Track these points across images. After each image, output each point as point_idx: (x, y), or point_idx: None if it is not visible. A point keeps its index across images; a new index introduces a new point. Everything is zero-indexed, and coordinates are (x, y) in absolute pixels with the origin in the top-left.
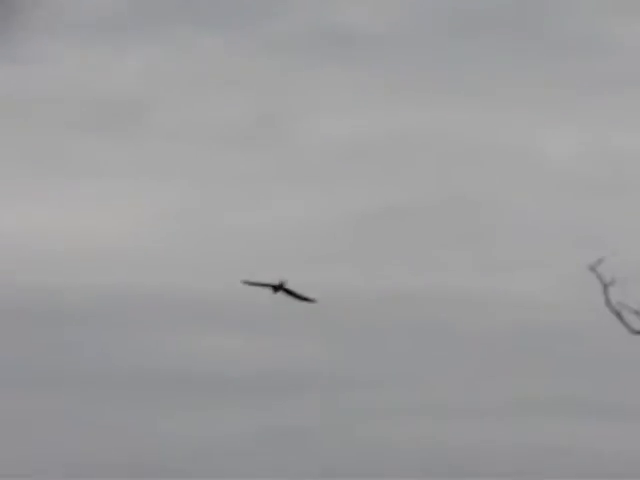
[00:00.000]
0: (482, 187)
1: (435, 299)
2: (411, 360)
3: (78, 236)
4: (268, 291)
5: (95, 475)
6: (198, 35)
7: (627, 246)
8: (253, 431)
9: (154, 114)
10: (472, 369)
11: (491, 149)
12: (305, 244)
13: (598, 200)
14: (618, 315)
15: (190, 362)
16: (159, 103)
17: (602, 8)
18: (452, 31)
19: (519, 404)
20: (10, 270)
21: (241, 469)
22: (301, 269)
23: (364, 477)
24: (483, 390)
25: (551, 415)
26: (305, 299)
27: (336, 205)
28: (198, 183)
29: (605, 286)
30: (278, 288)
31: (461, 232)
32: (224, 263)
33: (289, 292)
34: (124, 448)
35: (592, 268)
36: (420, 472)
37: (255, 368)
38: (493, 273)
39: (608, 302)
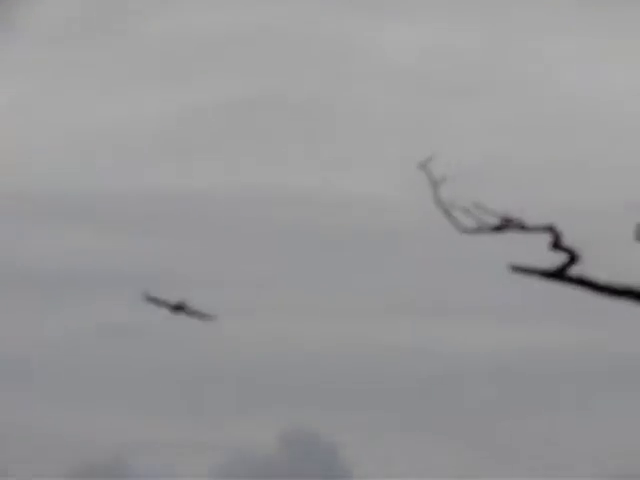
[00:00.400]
0: (324, 85)
1: (278, 198)
2: (257, 259)
3: None
4: (166, 309)
5: None
6: None
7: (459, 144)
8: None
9: None
10: (314, 267)
11: (336, 50)
12: (159, 139)
13: (434, 99)
14: (448, 213)
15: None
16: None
17: None
18: None
19: (358, 301)
20: None
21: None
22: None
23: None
24: (325, 289)
25: (389, 313)
26: (204, 316)
27: (180, 99)
28: (45, 80)
29: (434, 184)
30: (177, 308)
31: (304, 130)
32: (80, 159)
33: (189, 311)
34: None
35: (422, 166)
36: (271, 369)
37: (103, 265)
38: (330, 171)
39: (438, 200)
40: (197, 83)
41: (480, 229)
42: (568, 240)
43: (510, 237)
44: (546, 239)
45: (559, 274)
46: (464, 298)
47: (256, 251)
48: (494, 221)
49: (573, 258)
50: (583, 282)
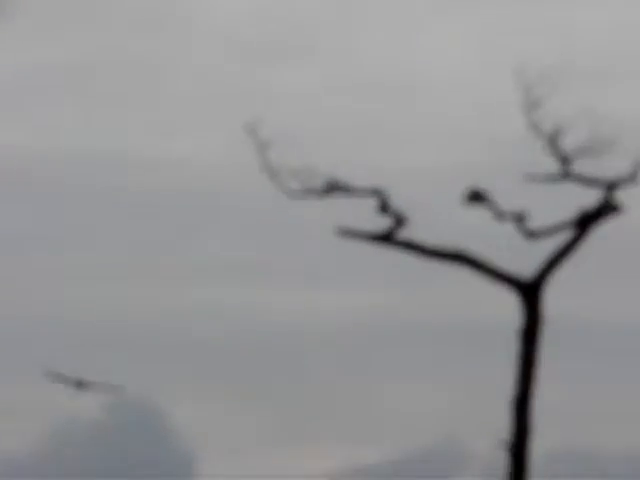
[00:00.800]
0: (155, 52)
1: (103, 161)
2: (85, 221)
3: None
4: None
5: None
6: None
7: (286, 108)
8: None
9: None
10: (139, 230)
11: (165, 15)
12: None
13: (262, 63)
14: (274, 177)
15: None
16: None
17: None
18: None
19: (182, 265)
20: None
21: None
22: None
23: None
24: (150, 253)
25: (215, 277)
26: (112, 389)
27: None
28: None
29: (261, 148)
30: (80, 385)
31: (130, 93)
32: None
33: (92, 386)
34: None
35: (249, 129)
36: (91, 332)
37: None
38: (156, 134)
39: (264, 164)
40: (28, 44)
41: (307, 193)
42: (395, 204)
43: (337, 201)
44: (373, 203)
45: (386, 237)
46: (290, 262)
47: (81, 214)
48: (321, 185)
49: (400, 221)
50: (410, 245)
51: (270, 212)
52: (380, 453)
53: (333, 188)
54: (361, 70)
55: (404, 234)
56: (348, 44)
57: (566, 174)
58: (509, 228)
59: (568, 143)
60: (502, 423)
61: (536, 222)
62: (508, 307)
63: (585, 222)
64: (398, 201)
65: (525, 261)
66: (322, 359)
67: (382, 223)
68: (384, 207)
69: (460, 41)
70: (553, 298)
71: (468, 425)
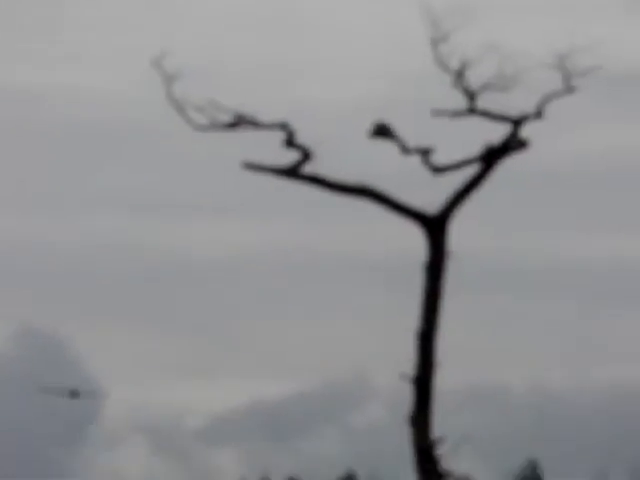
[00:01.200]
0: None
1: (13, 93)
2: None
3: None
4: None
5: None
6: None
7: (192, 41)
8: None
9: None
10: (36, 162)
11: None
12: None
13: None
14: (181, 110)
15: None
16: None
17: None
18: None
19: (90, 199)
20: None
21: None
22: None
23: None
24: (58, 186)
25: (119, 210)
26: (91, 395)
27: None
28: None
29: (167, 80)
30: (74, 394)
31: (32, 25)
32: None
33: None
34: None
35: (155, 62)
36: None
37: None
38: (56, 67)
39: (170, 97)
40: None
41: (213, 126)
42: (302, 138)
43: (244, 134)
44: (280, 137)
45: (292, 171)
46: (198, 194)
47: None
48: (228, 119)
49: (306, 156)
50: (316, 180)
51: (176, 145)
52: (286, 387)
53: (239, 122)
54: (266, 6)
55: (310, 168)
56: None
57: (472, 109)
58: (415, 163)
59: (474, 78)
60: (408, 357)
61: (442, 157)
62: (414, 241)
63: (491, 157)
64: (304, 135)
65: (431, 196)
66: (227, 291)
67: (288, 157)
68: (290, 141)
69: None
70: (458, 233)
71: (375, 358)
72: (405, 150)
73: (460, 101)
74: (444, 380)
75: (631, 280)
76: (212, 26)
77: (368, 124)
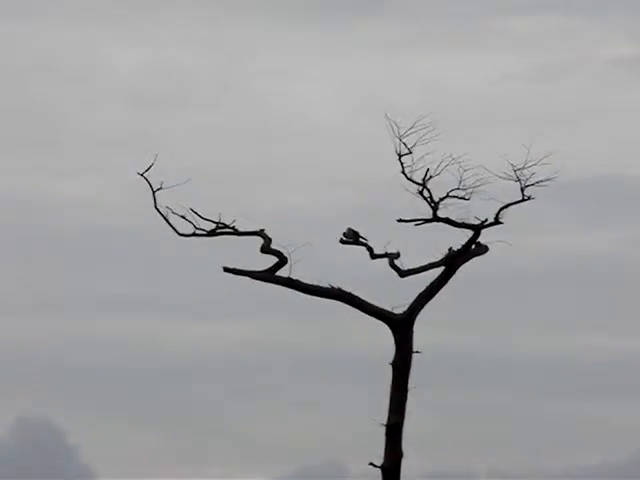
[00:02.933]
0: (59, 99)
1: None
2: None
3: None
4: None
5: None
6: None
7: (179, 151)
8: None
9: None
10: (31, 266)
11: (57, 58)
12: None
13: (152, 110)
14: (166, 218)
15: None
16: None
17: None
18: None
19: (72, 298)
20: None
21: None
22: None
23: None
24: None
25: (104, 310)
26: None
27: None
28: None
29: (154, 191)
30: None
31: (30, 138)
32: None
33: None
34: None
35: (142, 173)
36: None
37: None
38: (59, 178)
39: (157, 206)
40: None
41: (196, 234)
42: (278, 243)
43: (224, 240)
44: (257, 243)
45: (269, 275)
46: (182, 296)
47: None
48: (209, 226)
49: (282, 260)
50: (291, 282)
51: (161, 250)
52: (265, 473)
53: (220, 229)
54: (238, 115)
55: (286, 272)
56: (228, 93)
57: (436, 217)
58: (384, 266)
59: (437, 189)
60: (377, 447)
61: (408, 261)
62: (383, 340)
63: (453, 261)
64: (280, 241)
65: (398, 297)
66: (208, 389)
67: (266, 261)
68: (267, 247)
69: (337, 90)
70: (423, 332)
71: (347, 448)
72: (374, 255)
73: (425, 209)
74: (411, 469)
75: (581, 373)
76: (189, 139)
77: (340, 231)
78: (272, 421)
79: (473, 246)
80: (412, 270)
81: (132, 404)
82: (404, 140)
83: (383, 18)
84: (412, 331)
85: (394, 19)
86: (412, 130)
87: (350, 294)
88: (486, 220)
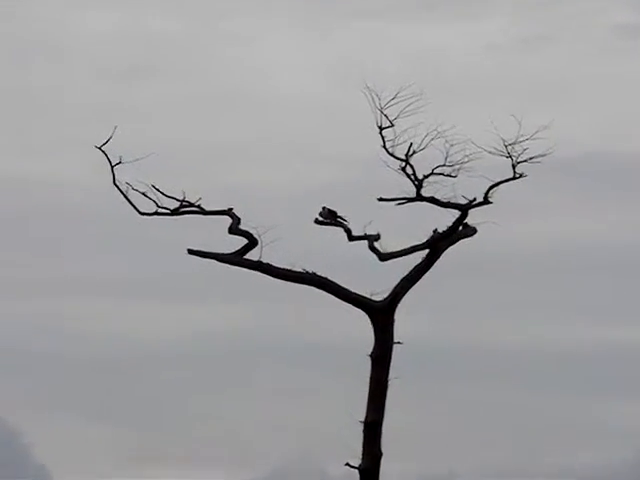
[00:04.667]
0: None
1: None
2: None
3: None
4: None
5: None
6: None
7: (141, 127)
8: None
9: None
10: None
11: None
12: None
13: (116, 81)
14: (125, 195)
15: None
16: None
17: None
18: None
19: (38, 280)
20: None
21: None
22: None
23: None
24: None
25: (67, 293)
26: None
27: None
28: None
29: (112, 165)
30: None
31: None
32: None
33: None
34: None
35: (100, 147)
36: None
37: None
38: (32, 155)
39: (116, 182)
40: None
41: (158, 212)
42: (247, 224)
43: (189, 220)
44: (225, 223)
45: (238, 258)
46: (144, 279)
47: None
48: (172, 204)
49: (252, 242)
50: (261, 266)
51: (122, 229)
52: (232, 474)
53: (185, 208)
54: (205, 87)
55: (256, 254)
56: (198, 63)
57: (419, 196)
58: (362, 249)
59: (421, 165)
60: (355, 445)
61: (389, 243)
62: (361, 329)
63: (438, 243)
64: (249, 221)
65: (378, 283)
66: (173, 377)
67: (234, 243)
68: (235, 228)
69: (309, 58)
70: (405, 321)
71: (322, 446)
72: (352, 237)
73: (409, 186)
74: (391, 468)
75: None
76: (156, 110)
77: (315, 210)
78: (240, 415)
79: (460, 227)
80: (393, 253)
81: (89, 398)
82: (385, 111)
83: None
84: (393, 320)
85: None
86: (394, 101)
87: (326, 279)
88: (474, 199)
